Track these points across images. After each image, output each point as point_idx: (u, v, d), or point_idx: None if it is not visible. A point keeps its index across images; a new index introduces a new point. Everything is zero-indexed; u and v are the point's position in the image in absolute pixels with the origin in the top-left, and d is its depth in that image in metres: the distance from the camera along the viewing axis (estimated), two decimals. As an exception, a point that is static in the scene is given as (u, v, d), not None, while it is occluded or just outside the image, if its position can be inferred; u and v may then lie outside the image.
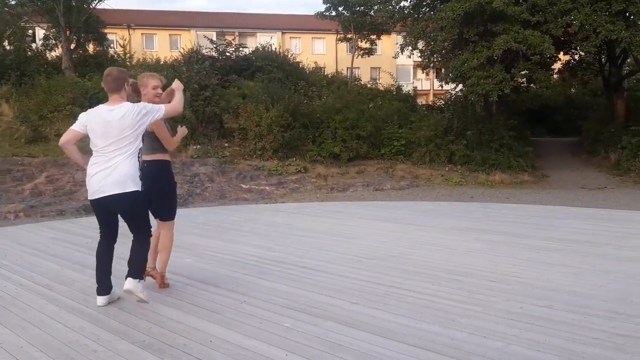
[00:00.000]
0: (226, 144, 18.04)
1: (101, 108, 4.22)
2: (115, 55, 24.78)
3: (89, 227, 7.93)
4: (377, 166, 17.68)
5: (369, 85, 24.87)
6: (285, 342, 3.54)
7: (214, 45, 22.66)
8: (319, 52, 45.21)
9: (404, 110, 20.60)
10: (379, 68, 41.73)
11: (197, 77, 18.67)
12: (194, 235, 7.38)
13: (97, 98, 19.06)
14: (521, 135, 19.26)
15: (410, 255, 6.00)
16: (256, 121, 17.36)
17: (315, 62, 26.84)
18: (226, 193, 12.94)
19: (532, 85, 19.89)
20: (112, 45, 39.71)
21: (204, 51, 22.63)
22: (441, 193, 13.83)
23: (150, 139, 4.50)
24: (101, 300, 4.33)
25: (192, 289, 4.81)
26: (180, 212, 9.97)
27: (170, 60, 21.93)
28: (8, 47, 22.96)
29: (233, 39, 25.57)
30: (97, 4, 23.10)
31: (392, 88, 24.68)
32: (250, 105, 17.73)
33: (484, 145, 17.79)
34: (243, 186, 14.00)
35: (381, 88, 24.80)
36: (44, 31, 24.65)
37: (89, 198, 4.23)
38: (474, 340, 3.52)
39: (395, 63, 38.68)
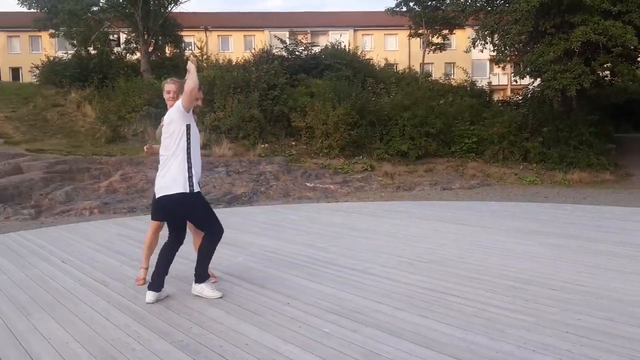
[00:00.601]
0: (293, 143, 18.16)
1: None
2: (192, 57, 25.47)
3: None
4: (447, 164, 17.21)
5: (441, 81, 24.27)
6: (321, 348, 3.44)
7: (284, 45, 22.88)
8: (392, 48, 44.77)
9: (477, 106, 19.93)
10: (454, 63, 40.73)
11: (266, 76, 18.90)
12: (251, 233, 7.43)
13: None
14: (603, 132, 18.15)
15: (467, 259, 5.74)
16: (323, 119, 17.35)
17: (385, 59, 26.46)
18: (290, 191, 13.01)
19: (615, 78, 18.68)
20: (190, 47, 41.12)
21: (274, 51, 22.93)
22: (513, 193, 13.25)
23: None
24: (150, 296, 4.43)
25: (239, 289, 4.81)
26: (241, 210, 10.24)
27: (242, 60, 22.29)
28: (93, 52, 24.17)
29: (304, 38, 25.74)
30: (172, 7, 23.87)
31: (465, 84, 23.97)
32: (318, 104, 17.75)
33: (561, 142, 16.91)
34: (308, 184, 14.02)
35: (454, 84, 24.14)
36: (125, 35, 25.80)
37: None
38: (521, 354, 3.28)
39: (470, 58, 37.63)
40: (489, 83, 23.83)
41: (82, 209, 10.46)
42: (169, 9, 23.96)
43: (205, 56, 27.66)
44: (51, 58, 23.44)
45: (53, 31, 24.17)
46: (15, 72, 43.99)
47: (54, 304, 4.46)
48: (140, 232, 7.80)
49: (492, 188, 14.20)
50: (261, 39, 38.85)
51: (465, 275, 5.11)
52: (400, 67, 29.67)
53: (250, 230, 7.66)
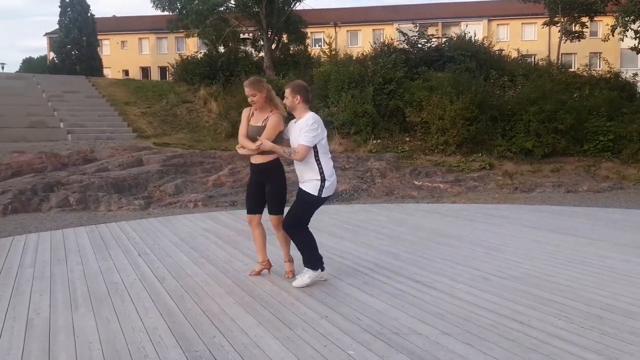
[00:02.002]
0: (407, 139, 17.56)
1: None
2: (321, 53, 25.45)
3: (243, 220, 8.22)
4: (577, 164, 15.62)
5: (580, 72, 22.11)
6: (334, 374, 3.07)
7: (405, 37, 22.26)
8: (529, 38, 41.98)
9: (617, 100, 17.85)
10: (599, 53, 37.12)
11: (382, 70, 18.47)
12: (328, 234, 7.15)
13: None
14: None
15: (554, 277, 4.97)
16: (439, 114, 16.57)
17: (517, 49, 24.71)
18: (394, 190, 12.52)
19: None
20: (319, 43, 41.75)
21: (396, 44, 22.40)
22: (650, 198, 11.62)
23: None
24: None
25: (284, 295, 4.55)
26: (330, 208, 9.96)
27: (360, 55, 22.04)
28: (222, 50, 25.33)
29: (435, 31, 24.86)
30: (295, 5, 24.23)
31: (608, 75, 21.60)
32: (435, 98, 16.98)
33: None
34: (415, 183, 13.42)
35: (595, 75, 21.86)
36: (251, 34, 26.73)
37: (330, 194, 4.87)
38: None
39: (619, 47, 34.09)
40: (634, 74, 21.25)
41: (188, 202, 10.87)
42: (292, 6, 24.35)
43: (333, 52, 27.88)
44: (185, 57, 24.90)
45: (180, 31, 25.63)
46: (163, 71, 47.53)
47: (103, 300, 4.51)
48: (225, 227, 7.87)
49: (626, 192, 12.58)
50: (390, 33, 38.34)
51: (542, 296, 4.40)
52: (539, 58, 27.59)
53: (329, 231, 7.38)
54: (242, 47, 25.82)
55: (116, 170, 12.82)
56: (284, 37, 25.78)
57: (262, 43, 25.92)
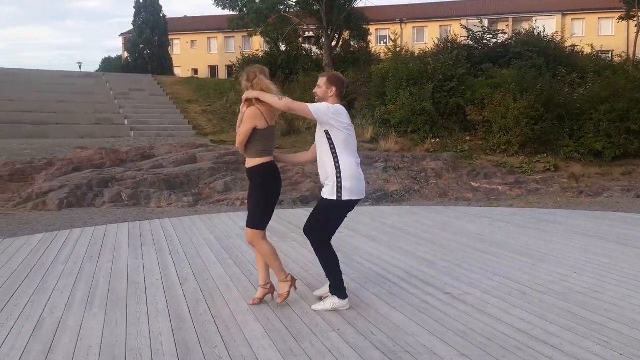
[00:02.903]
0: (467, 138, 16.93)
1: None
2: (385, 50, 24.97)
3: (282, 220, 8.07)
4: (652, 167, 14.52)
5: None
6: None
7: (469, 33, 21.50)
8: (606, 33, 39.74)
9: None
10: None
11: (443, 67, 17.89)
12: (366, 238, 6.87)
13: (346, 93, 19.86)
14: None
15: (601, 294, 4.48)
16: (502, 113, 15.85)
17: (592, 45, 23.31)
18: (449, 191, 12.02)
19: None
20: (384, 40, 41.22)
21: (460, 40, 21.68)
22: None
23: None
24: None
25: (302, 304, 4.33)
26: (375, 210, 9.64)
27: (421, 52, 21.47)
28: (283, 48, 25.42)
29: (507, 26, 23.90)
30: (355, 2, 23.95)
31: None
32: (498, 96, 16.26)
33: None
34: (473, 184, 12.86)
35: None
36: (313, 32, 26.69)
37: (354, 198, 4.15)
38: None
39: None
40: None
41: (235, 199, 10.86)
42: (353, 3, 24.08)
43: (398, 49, 27.41)
44: (246, 56, 25.19)
45: (241, 30, 25.90)
46: (230, 69, 48.42)
47: (119, 301, 4.46)
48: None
49: None
50: (457, 29, 37.31)
51: (582, 316, 3.96)
52: (616, 54, 25.98)
53: (368, 234, 7.09)
54: (302, 45, 25.80)
55: (170, 167, 13.01)
56: (345, 34, 25.54)
57: (323, 40, 25.79)
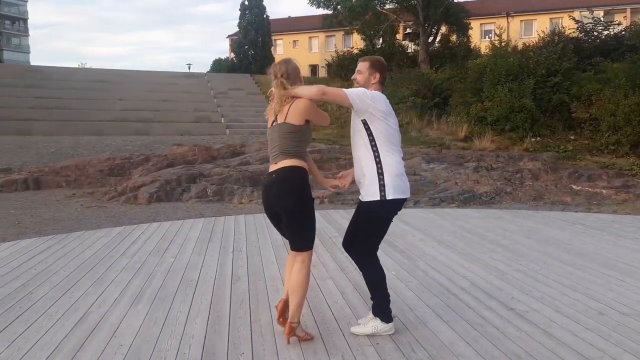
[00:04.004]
0: (572, 137, 15.70)
1: None
2: (489, 45, 23.86)
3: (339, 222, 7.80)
4: None
5: None
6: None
7: (578, 25, 19.97)
8: None
9: None
10: None
11: (547, 62, 16.72)
12: (438, 243, 6.43)
13: (440, 89, 19.16)
14: None
15: (700, 321, 3.81)
16: (612, 110, 14.52)
17: None
18: (545, 194, 11.13)
19: None
20: (489, 35, 39.58)
21: (568, 32, 20.22)
22: None
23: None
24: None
25: (346, 312, 4.06)
26: (455, 212, 9.07)
27: (522, 45, 20.24)
28: (379, 45, 25.05)
29: (624, 17, 22.05)
30: (454, -4, 23.08)
31: None
32: (607, 91, 14.92)
33: None
34: (573, 187, 11.83)
35: None
36: (410, 28, 26.07)
37: (400, 196, 3.54)
38: None
39: None
40: None
41: (315, 197, 10.73)
42: (452, -4, 23.24)
43: (504, 43, 26.17)
44: (340, 54, 25.09)
45: (335, 29, 25.78)
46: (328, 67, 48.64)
47: (166, 298, 4.43)
48: (333, 226, 7.51)
49: None
50: (569, 21, 34.96)
51: (669, 347, 3.35)
52: None
53: (441, 239, 6.65)
54: (398, 41, 25.29)
55: (256, 164, 13.18)
56: (444, 29, 24.69)
57: (422, 38, 25.12)
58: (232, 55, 49.22)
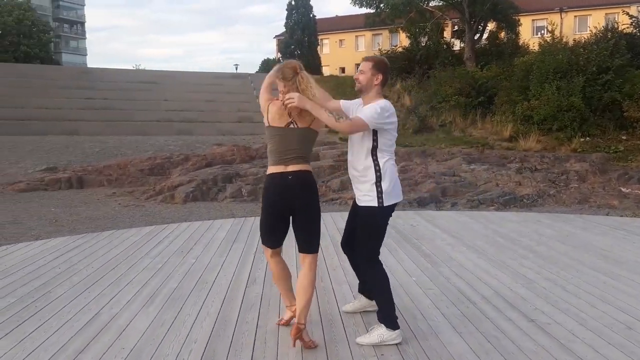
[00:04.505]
0: (623, 137, 14.98)
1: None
2: (540, 41, 23.07)
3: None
4: None
5: None
6: None
7: (632, 20, 19.05)
8: None
9: None
10: None
11: (597, 58, 16.01)
12: (467, 247, 6.19)
13: (486, 87, 18.64)
14: None
15: None
16: (667, 108, 13.77)
17: None
18: (590, 197, 10.63)
19: None
20: (541, 31, 38.38)
21: (622, 27, 19.32)
22: None
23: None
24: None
25: (354, 321, 3.92)
26: (492, 215, 8.72)
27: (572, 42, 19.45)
28: (424, 43, 24.62)
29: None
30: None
31: None
32: (662, 89, 14.17)
33: None
34: (623, 190, 11.26)
35: None
36: (457, 26, 25.51)
37: (395, 201, 3.61)
38: None
39: None
40: None
41: (349, 198, 10.59)
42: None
43: (556, 39, 25.32)
44: (383, 52, 24.78)
45: (377, 27, 25.43)
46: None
47: (178, 300, 4.40)
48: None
49: None
50: (623, 17, 33.46)
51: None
52: None
53: (472, 244, 6.39)
54: (443, 39, 24.79)
55: (293, 164, 13.14)
56: (491, 25, 24.03)
57: (469, 34, 24.54)
58: (279, 55, 49.53)
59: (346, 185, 11.42)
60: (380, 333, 3.50)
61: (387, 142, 3.54)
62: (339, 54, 53.72)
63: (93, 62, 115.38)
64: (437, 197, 10.76)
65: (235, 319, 3.96)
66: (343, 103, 3.74)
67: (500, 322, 3.86)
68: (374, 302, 3.83)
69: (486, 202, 10.32)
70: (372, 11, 24.12)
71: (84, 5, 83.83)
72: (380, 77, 3.56)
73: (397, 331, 3.51)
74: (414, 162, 13.07)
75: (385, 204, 3.51)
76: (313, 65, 43.35)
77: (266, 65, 62.45)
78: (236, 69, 50.85)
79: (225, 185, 11.59)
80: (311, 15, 46.01)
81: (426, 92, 19.54)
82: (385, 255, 5.78)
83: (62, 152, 15.38)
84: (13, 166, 13.69)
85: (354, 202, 3.78)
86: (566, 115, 15.22)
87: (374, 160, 3.52)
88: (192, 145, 16.64)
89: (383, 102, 3.52)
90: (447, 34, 27.07)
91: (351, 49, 53.99)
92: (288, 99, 3.37)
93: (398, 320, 3.55)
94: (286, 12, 45.95)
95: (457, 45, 24.74)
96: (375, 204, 3.51)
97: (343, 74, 45.56)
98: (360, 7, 23.65)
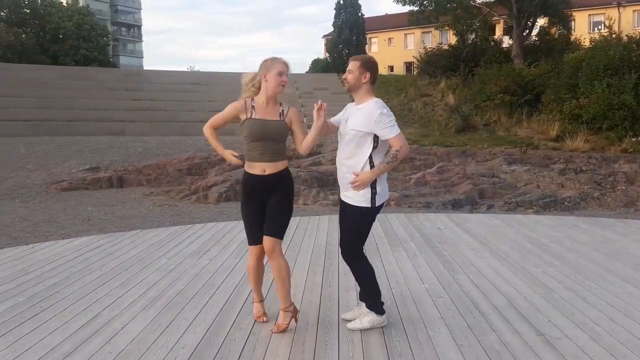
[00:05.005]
0: (680, 136, 14.09)
1: None
2: (597, 37, 22.18)
3: (400, 224, 7.43)
4: None
5: None
6: None
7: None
8: None
9: None
10: None
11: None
12: (490, 253, 5.91)
13: (532, 85, 17.97)
14: None
15: None
16: None
17: None
18: (638, 200, 10.03)
19: None
20: (598, 27, 36.84)
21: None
22: None
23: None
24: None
25: (342, 331, 3.77)
26: (525, 218, 8.32)
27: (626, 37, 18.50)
28: (471, 40, 24.01)
29: None
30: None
31: None
32: None
33: None
34: (675, 193, 10.57)
35: None
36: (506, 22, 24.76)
37: (384, 200, 3.74)
38: None
39: None
40: None
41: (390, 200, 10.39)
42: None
43: (614, 35, 24.25)
44: (429, 50, 24.32)
45: (423, 25, 24.99)
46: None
47: (181, 303, 4.36)
48: (388, 232, 7.17)
49: None
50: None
51: None
52: None
53: (496, 249, 6.11)
54: (492, 36, 24.10)
55: (327, 164, 13.03)
56: (542, 21, 23.17)
57: (516, 31, 23.79)
58: (327, 55, 49.49)
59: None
60: (370, 319, 3.74)
61: (384, 145, 3.61)
62: (388, 53, 53.23)
63: (149, 64, 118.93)
64: (473, 199, 10.40)
65: (230, 325, 3.88)
66: (333, 120, 3.91)
67: (505, 335, 3.63)
68: (385, 318, 3.87)
69: (524, 204, 9.90)
70: (415, 8, 23.69)
71: (140, 9, 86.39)
72: (367, 75, 3.63)
73: (384, 315, 3.79)
74: (452, 163, 12.70)
75: (377, 204, 3.65)
76: (360, 65, 43.12)
77: (316, 65, 62.61)
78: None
79: (258, 186, 11.59)
80: (359, 14, 45.74)
81: (470, 90, 19.02)
82: (404, 261, 5.61)
83: (106, 152, 15.79)
84: (59, 166, 14.14)
85: (342, 202, 3.81)
86: (617, 113, 14.49)
87: (371, 163, 3.60)
88: (231, 146, 16.53)
89: (376, 101, 3.65)
90: (500, 30, 26.34)
91: (400, 47, 53.42)
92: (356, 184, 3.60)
93: (395, 328, 3.41)
94: (334, 11, 45.87)
95: (506, 42, 23.97)
96: (368, 204, 3.61)
97: (392, 72, 45.16)
98: (404, 4, 23.28)
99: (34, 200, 10.93)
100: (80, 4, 54.23)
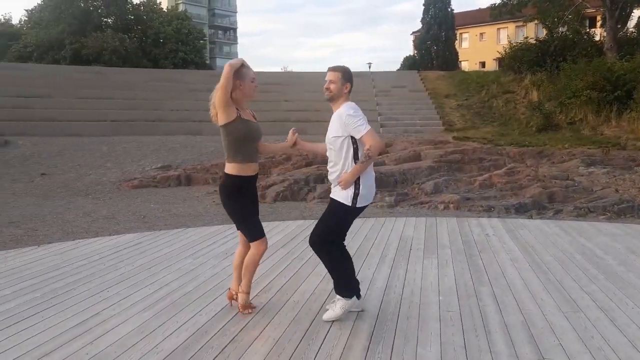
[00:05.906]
0: None
1: None
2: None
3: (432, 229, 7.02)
4: None
5: None
6: None
7: None
8: None
9: None
10: None
11: None
12: (531, 264, 5.41)
13: (624, 80, 16.55)
14: None
15: None
16: None
17: None
18: None
19: None
20: None
21: None
22: None
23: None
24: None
25: (328, 329, 3.54)
26: (590, 226, 7.55)
27: None
28: (560, 34, 22.59)
29: None
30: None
31: None
32: None
33: None
34: None
35: None
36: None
37: (366, 204, 3.89)
38: None
39: None
40: None
41: (440, 202, 9.93)
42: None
43: None
44: (514, 44, 23.11)
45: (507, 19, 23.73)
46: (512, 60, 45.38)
47: (178, 306, 4.33)
48: (427, 236, 6.81)
49: None
50: None
51: None
52: None
53: (539, 259, 5.59)
54: (584, 29, 22.50)
55: (391, 164, 12.69)
56: (639, 11, 21.33)
57: (609, 24, 22.07)
58: (415, 52, 48.60)
59: (441, 188, 10.75)
60: (341, 305, 3.86)
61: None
62: (479, 48, 51.45)
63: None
64: (540, 203, 9.69)
65: (217, 331, 3.78)
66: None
67: (500, 358, 3.25)
68: (358, 302, 4.03)
69: (597, 210, 9.08)
70: (498, 1, 22.56)
71: (236, 13, 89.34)
72: (348, 85, 3.89)
73: (353, 298, 3.90)
74: (524, 164, 11.93)
75: (358, 205, 3.77)
76: (450, 60, 41.94)
77: (406, 62, 61.70)
78: (369, 67, 50.73)
79: (315, 186, 11.48)
80: (449, 9, 44.54)
81: (556, 86, 17.83)
82: (430, 270, 5.29)
83: (180, 151, 16.36)
84: (134, 164, 14.83)
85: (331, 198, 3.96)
86: None
87: (355, 163, 3.75)
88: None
89: (348, 103, 3.84)
90: (598, 25, 24.57)
91: (492, 42, 51.42)
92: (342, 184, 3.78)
93: (383, 343, 3.16)
94: (423, 7, 44.95)
95: (599, 34, 22.28)
96: (348, 203, 3.76)
97: (482, 69, 43.53)
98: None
99: (104, 197, 11.49)
100: (180, 9, 56.99)
